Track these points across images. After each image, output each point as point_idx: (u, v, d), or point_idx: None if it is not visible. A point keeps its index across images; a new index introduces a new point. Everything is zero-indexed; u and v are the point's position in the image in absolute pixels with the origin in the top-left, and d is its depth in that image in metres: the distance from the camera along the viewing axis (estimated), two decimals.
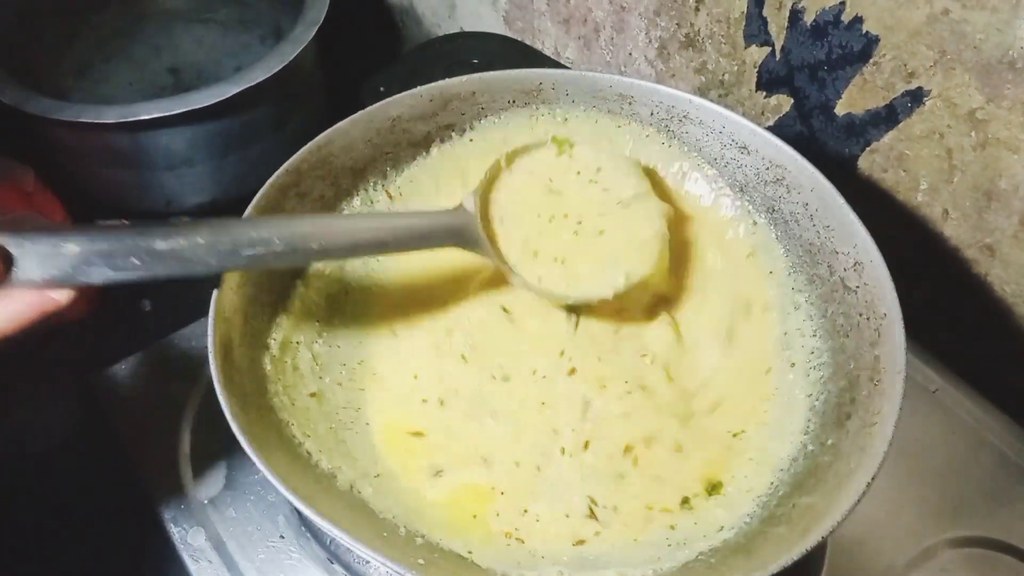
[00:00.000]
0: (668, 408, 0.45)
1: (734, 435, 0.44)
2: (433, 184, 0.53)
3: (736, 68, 0.61)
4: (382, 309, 0.49)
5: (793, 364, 0.45)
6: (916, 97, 0.50)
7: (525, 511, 0.41)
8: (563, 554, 0.39)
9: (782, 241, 0.48)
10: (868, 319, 0.41)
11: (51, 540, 0.53)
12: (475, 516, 0.41)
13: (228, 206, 0.62)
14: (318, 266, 0.49)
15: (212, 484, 0.49)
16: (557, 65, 0.76)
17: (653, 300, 0.49)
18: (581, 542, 0.40)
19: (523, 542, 0.40)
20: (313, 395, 0.44)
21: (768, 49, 0.58)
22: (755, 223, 0.50)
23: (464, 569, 0.37)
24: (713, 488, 0.42)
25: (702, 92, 0.65)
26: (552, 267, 0.45)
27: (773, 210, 0.48)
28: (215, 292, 0.40)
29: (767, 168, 0.48)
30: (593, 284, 0.45)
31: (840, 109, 0.55)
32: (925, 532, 0.46)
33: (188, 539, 0.47)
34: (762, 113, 0.61)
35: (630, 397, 0.45)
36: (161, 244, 0.34)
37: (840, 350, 0.43)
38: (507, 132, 0.53)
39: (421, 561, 0.36)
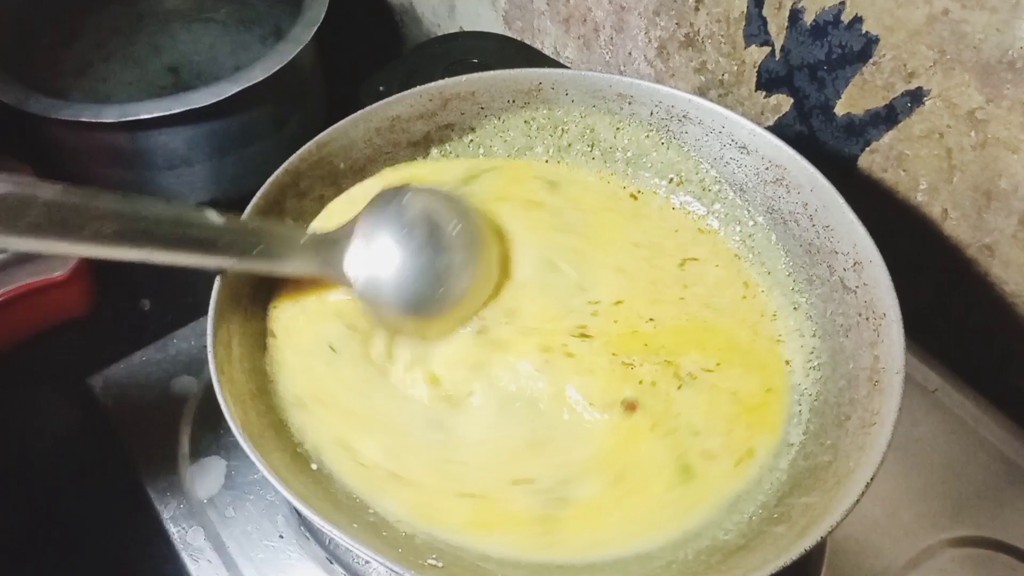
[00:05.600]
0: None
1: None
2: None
3: (736, 68, 0.61)
4: None
5: (789, 363, 0.45)
6: (916, 97, 0.50)
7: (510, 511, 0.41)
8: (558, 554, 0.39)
9: (781, 241, 0.48)
10: (867, 319, 0.41)
11: (51, 540, 0.54)
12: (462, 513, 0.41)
13: (228, 205, 0.62)
14: None
15: (212, 484, 0.49)
16: (557, 65, 0.76)
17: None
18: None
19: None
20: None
21: (768, 49, 0.58)
22: (754, 223, 0.50)
23: (464, 569, 0.37)
24: None
25: (702, 92, 0.65)
26: None
27: (772, 210, 0.48)
28: (214, 290, 0.40)
29: (767, 168, 0.48)
30: None
31: (840, 109, 0.55)
32: (925, 532, 0.46)
33: (188, 539, 0.47)
34: (762, 113, 0.61)
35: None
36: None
37: (839, 350, 0.43)
38: (507, 132, 0.53)
39: (421, 562, 0.36)
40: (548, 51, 0.79)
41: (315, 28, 0.67)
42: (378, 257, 0.42)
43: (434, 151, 0.53)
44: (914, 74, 0.49)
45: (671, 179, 0.53)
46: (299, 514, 0.47)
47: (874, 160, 0.55)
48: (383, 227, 0.43)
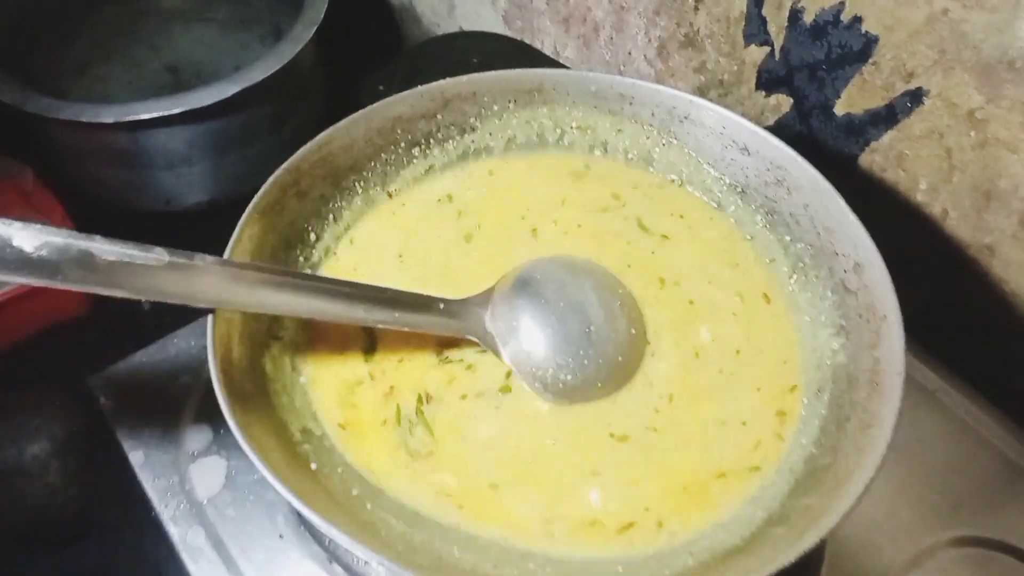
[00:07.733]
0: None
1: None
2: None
3: (736, 68, 0.61)
4: None
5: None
6: (915, 97, 0.50)
7: (515, 507, 0.41)
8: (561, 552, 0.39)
9: (782, 243, 0.48)
10: (868, 321, 0.41)
11: (51, 540, 0.54)
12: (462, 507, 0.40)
13: (227, 205, 0.63)
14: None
15: (212, 484, 0.49)
16: (556, 64, 0.76)
17: None
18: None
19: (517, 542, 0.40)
20: None
21: (767, 49, 0.58)
22: (755, 224, 0.49)
23: (463, 570, 0.37)
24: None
25: (701, 92, 0.65)
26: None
27: (773, 211, 0.48)
28: None
29: (767, 169, 0.48)
30: None
31: (839, 109, 0.55)
32: (925, 532, 0.46)
33: (188, 539, 0.47)
34: (762, 113, 0.61)
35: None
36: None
37: (839, 351, 0.43)
38: (508, 132, 0.53)
39: (420, 561, 0.36)
40: (548, 51, 0.79)
41: (315, 28, 0.67)
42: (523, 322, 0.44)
43: (435, 151, 0.53)
44: (914, 74, 0.49)
45: (672, 180, 0.53)
46: (299, 514, 0.47)
47: (874, 160, 0.55)
48: (523, 296, 0.45)
